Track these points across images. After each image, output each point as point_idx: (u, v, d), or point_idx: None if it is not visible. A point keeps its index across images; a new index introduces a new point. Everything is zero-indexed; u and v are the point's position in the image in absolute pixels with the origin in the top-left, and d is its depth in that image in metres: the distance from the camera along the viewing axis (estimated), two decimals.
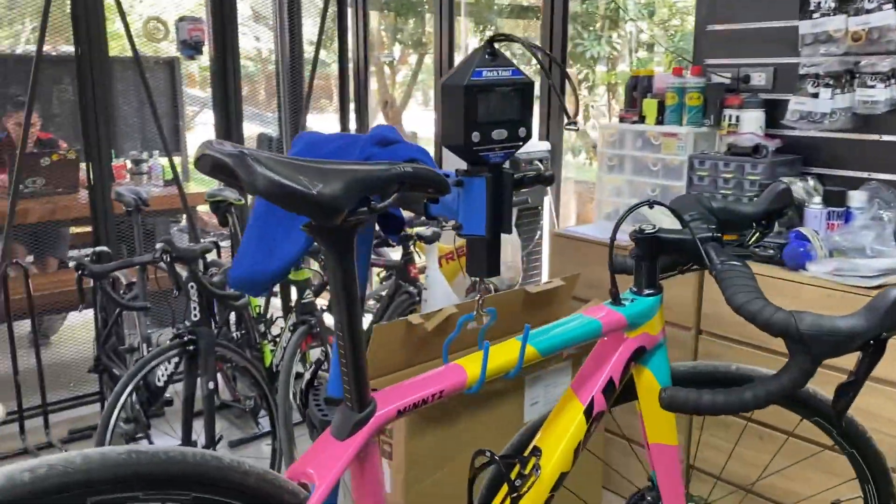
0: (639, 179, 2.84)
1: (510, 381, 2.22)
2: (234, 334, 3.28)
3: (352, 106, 4.40)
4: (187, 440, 2.51)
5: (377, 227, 1.31)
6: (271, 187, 0.77)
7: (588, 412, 1.19)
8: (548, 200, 3.53)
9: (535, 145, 3.52)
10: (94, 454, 0.73)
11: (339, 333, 0.91)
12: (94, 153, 3.33)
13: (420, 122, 12.25)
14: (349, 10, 4.51)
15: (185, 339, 2.46)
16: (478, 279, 1.12)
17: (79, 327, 3.94)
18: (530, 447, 1.20)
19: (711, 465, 2.37)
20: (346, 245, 0.88)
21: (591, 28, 8.92)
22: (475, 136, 0.99)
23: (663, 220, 1.24)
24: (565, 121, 1.12)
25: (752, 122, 2.59)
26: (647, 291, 1.19)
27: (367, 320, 3.36)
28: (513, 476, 1.17)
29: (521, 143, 1.06)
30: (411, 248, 3.02)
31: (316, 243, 0.94)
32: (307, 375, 1.33)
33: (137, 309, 2.83)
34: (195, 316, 2.48)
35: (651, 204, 1.16)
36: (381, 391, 0.99)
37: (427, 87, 14.89)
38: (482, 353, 1.05)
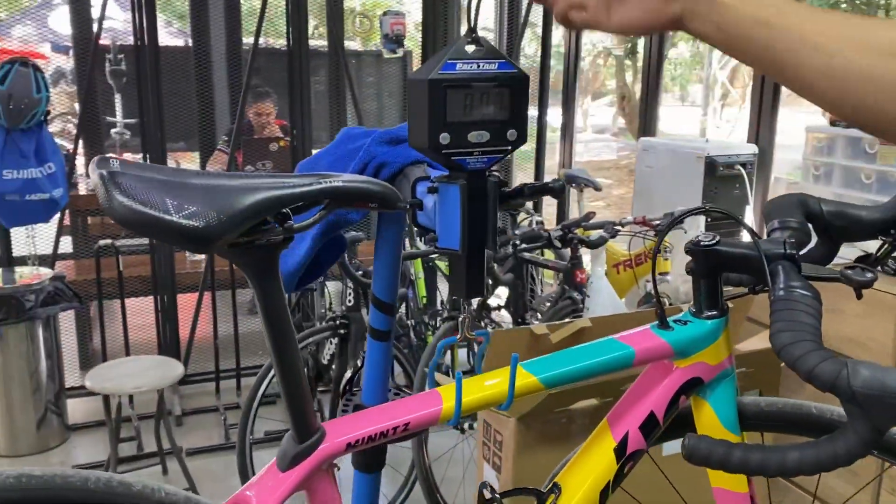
0: (848, 193, 2.45)
1: None
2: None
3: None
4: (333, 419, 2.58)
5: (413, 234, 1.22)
6: (128, 215, 0.70)
7: (620, 450, 1.01)
8: (749, 209, 3.16)
9: (740, 148, 3.16)
10: None
11: (273, 359, 0.85)
12: (299, 140, 3.56)
13: (670, 119, 11.74)
14: None
15: (338, 322, 2.54)
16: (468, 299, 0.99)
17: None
18: (550, 483, 1.05)
19: None
20: (263, 267, 0.80)
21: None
22: (444, 138, 0.86)
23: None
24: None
25: None
26: (706, 313, 0.99)
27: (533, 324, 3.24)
28: None
29: (509, 148, 0.91)
30: (579, 251, 2.86)
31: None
32: (347, 375, 1.28)
33: (306, 289, 2.97)
34: (349, 301, 2.55)
35: (706, 211, 0.96)
36: (333, 421, 0.91)
37: (685, 82, 14.23)
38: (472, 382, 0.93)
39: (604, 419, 1.04)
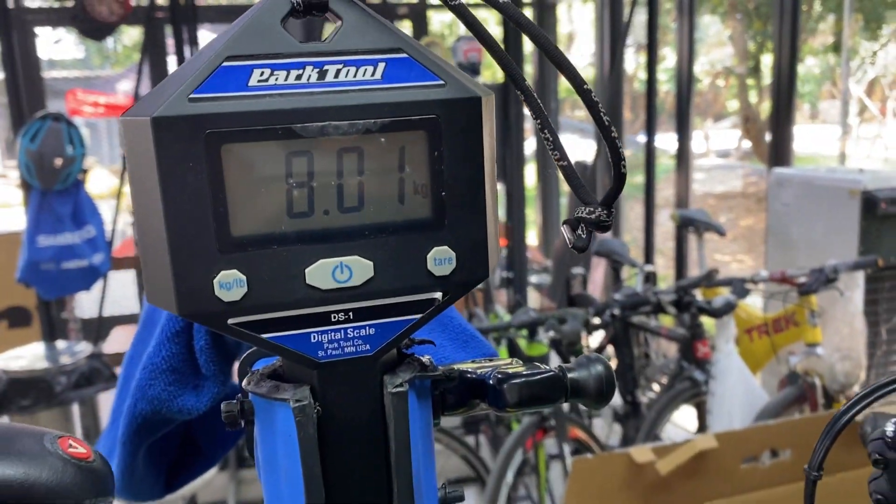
0: None
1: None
2: None
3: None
4: None
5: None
6: None
7: None
8: None
9: None
10: None
11: None
12: None
13: (801, 140, 10.78)
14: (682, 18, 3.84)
15: None
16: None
17: None
18: None
19: None
20: None
21: None
22: (225, 287, 0.34)
23: None
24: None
25: None
26: None
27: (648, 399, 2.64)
28: None
29: (435, 297, 0.37)
30: (699, 318, 2.26)
31: None
32: None
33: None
34: None
35: None
36: None
37: (813, 98, 13.18)
38: None
39: None
